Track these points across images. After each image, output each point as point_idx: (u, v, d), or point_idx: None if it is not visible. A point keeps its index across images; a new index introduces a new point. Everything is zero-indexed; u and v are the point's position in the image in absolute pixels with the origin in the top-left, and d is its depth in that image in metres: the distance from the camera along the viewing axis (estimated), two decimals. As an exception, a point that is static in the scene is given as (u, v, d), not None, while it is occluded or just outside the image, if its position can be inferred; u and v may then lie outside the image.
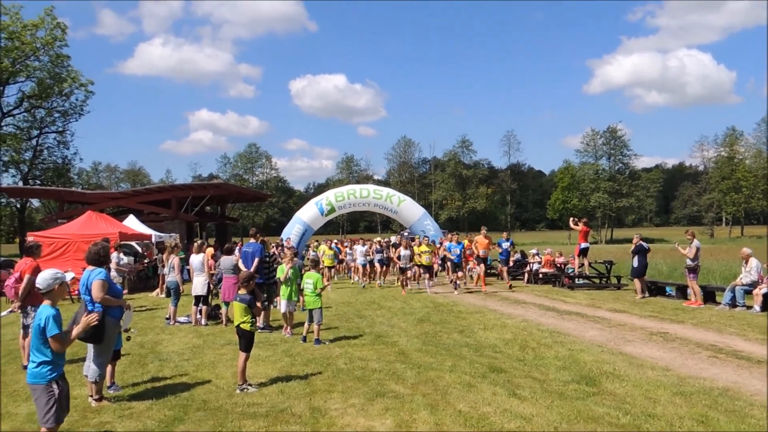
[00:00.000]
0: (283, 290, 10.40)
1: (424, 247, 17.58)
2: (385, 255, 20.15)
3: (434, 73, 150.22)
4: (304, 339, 9.51)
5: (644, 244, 15.38)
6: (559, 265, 19.72)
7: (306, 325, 9.63)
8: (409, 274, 18.29)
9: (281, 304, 10.60)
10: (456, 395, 6.22)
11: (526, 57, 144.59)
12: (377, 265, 20.24)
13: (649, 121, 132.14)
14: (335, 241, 27.30)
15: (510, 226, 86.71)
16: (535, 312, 12.82)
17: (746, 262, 12.99)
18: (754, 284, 12.56)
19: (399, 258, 17.97)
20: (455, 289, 17.33)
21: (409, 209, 28.72)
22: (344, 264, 23.47)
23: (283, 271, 10.32)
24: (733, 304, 12.59)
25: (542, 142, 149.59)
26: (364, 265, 20.66)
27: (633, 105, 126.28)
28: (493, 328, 10.64)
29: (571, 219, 19.28)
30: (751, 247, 15.20)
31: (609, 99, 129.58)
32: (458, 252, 17.93)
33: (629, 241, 17.34)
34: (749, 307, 12.26)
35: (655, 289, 15.61)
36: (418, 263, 17.87)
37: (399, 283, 18.28)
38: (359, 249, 20.92)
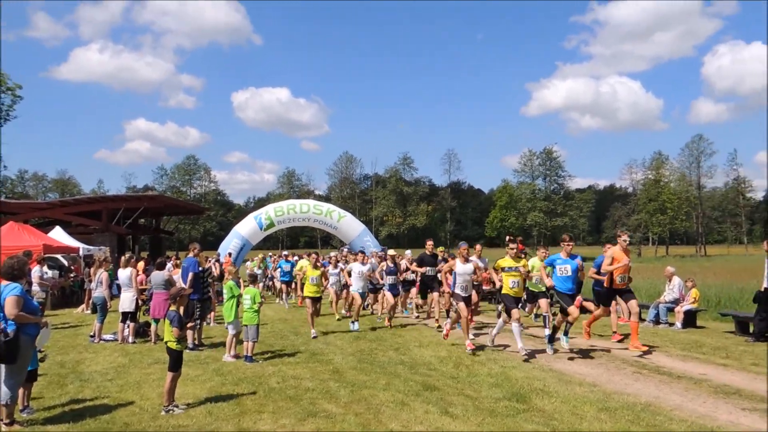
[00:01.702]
0: (227, 311, 9.64)
1: (509, 261, 9.97)
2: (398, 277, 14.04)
3: (378, 90, 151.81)
4: (240, 357, 9.22)
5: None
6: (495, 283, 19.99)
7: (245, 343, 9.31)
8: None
9: (228, 327, 9.67)
10: (389, 414, 6.17)
11: (468, 77, 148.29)
12: (387, 294, 13.71)
13: (582, 144, 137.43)
14: (329, 256, 21.27)
15: (450, 244, 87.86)
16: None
17: (669, 281, 13.56)
18: (676, 302, 13.12)
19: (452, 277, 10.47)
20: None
21: (349, 225, 28.66)
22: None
23: (231, 289, 9.80)
24: (657, 321, 13.11)
25: (482, 161, 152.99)
26: (362, 295, 13.81)
27: (568, 128, 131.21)
28: (428, 345, 10.67)
29: (508, 237, 19.65)
30: (674, 265, 15.90)
31: (546, 121, 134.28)
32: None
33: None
34: (671, 324, 12.79)
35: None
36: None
37: (438, 322, 13.11)
38: (358, 269, 13.83)
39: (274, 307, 17.77)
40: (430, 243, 13.80)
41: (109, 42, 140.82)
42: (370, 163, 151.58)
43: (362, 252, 15.38)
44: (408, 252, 16.26)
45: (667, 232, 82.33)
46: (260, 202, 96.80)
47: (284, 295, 18.93)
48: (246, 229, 27.14)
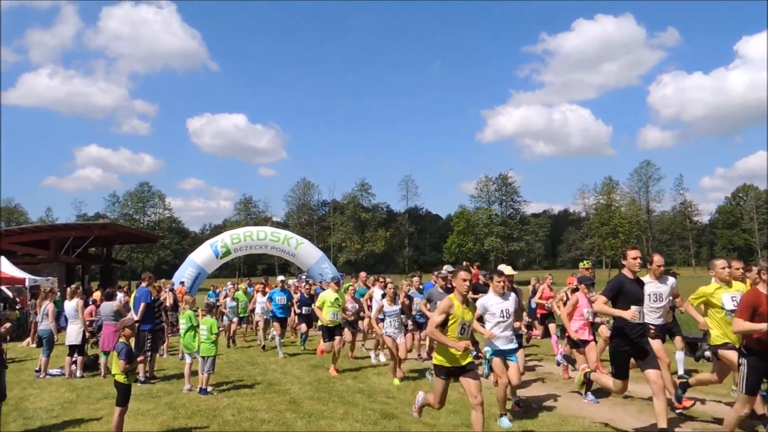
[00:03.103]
0: (189, 341, 9.48)
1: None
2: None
3: (335, 116, 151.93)
4: (203, 391, 8.91)
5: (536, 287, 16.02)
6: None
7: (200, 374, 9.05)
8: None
9: (186, 356, 9.64)
10: (346, 444, 6.07)
11: (424, 104, 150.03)
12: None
13: (537, 169, 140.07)
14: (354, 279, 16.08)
15: (408, 269, 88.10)
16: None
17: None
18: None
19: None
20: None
21: (307, 252, 28.52)
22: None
23: (189, 319, 9.61)
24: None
25: (439, 187, 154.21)
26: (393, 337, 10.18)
27: (523, 154, 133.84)
28: (386, 373, 10.57)
29: (465, 262, 19.84)
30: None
31: (501, 147, 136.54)
32: None
33: (524, 283, 17.89)
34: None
35: (546, 329, 16.24)
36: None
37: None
38: (379, 294, 11.82)
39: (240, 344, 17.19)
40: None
41: (60, 67, 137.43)
42: (328, 190, 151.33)
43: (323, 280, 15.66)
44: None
45: (619, 256, 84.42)
46: (216, 230, 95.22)
47: (276, 334, 13.75)
48: (201, 257, 26.68)
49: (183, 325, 9.69)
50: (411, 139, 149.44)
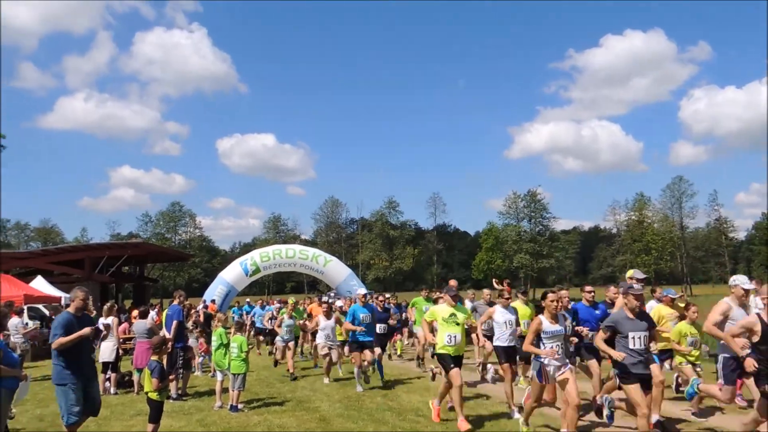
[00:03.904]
0: (220, 359, 9.49)
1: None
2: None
3: (363, 135, 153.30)
4: (234, 408, 8.95)
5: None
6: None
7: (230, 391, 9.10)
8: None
9: (217, 374, 9.68)
10: (376, 463, 6.04)
11: (451, 122, 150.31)
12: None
13: (566, 186, 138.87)
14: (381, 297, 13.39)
15: (436, 287, 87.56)
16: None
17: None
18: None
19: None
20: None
21: (335, 269, 28.62)
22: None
23: (220, 336, 9.66)
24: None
25: (467, 204, 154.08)
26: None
27: (551, 170, 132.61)
28: (416, 390, 10.52)
29: (494, 280, 19.65)
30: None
31: (529, 164, 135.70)
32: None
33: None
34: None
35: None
36: None
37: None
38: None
39: (265, 356, 17.32)
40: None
41: (95, 91, 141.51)
42: (356, 207, 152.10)
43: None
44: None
45: (653, 273, 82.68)
46: (246, 248, 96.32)
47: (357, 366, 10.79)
48: (231, 275, 26.96)
49: (214, 342, 9.77)
50: (438, 156, 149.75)
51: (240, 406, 8.99)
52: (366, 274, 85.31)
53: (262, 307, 18.21)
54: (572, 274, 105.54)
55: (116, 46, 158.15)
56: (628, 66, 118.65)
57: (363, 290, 13.30)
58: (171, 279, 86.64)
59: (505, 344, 8.60)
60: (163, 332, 10.37)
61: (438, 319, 7.79)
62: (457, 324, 7.68)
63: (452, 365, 7.50)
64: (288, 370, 12.46)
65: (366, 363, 10.72)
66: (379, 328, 11.40)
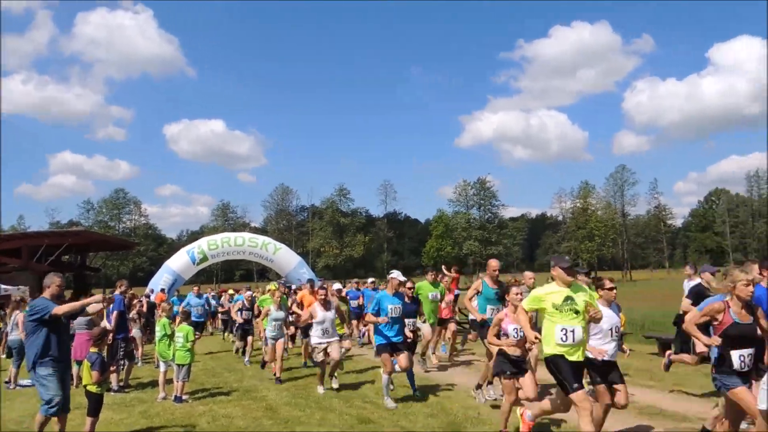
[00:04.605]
0: (165, 349, 9.24)
1: None
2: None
3: (314, 122, 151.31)
4: (178, 399, 8.77)
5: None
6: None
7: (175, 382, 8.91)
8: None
9: (160, 365, 9.40)
10: (322, 450, 6.04)
11: (403, 109, 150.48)
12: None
13: (515, 174, 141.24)
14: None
15: (386, 274, 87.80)
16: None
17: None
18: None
19: None
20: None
21: (285, 257, 28.44)
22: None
23: (164, 327, 9.38)
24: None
25: (418, 192, 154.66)
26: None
27: (501, 158, 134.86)
28: (364, 377, 10.57)
29: (444, 266, 19.89)
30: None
31: (479, 152, 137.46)
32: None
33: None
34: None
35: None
36: None
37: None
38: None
39: (214, 345, 17.01)
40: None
41: (34, 73, 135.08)
42: (307, 195, 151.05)
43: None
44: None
45: (596, 259, 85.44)
46: (194, 236, 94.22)
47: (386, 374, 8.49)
48: (178, 263, 26.45)
49: (158, 333, 9.56)
50: (389, 144, 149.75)
51: (185, 397, 8.83)
52: (316, 262, 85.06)
53: (199, 296, 16.98)
54: (519, 260, 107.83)
55: (56, 26, 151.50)
56: (576, 57, 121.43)
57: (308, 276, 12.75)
58: (114, 268, 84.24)
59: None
60: (104, 323, 10.08)
61: (546, 307, 5.47)
62: (577, 312, 5.33)
63: (575, 383, 5.20)
64: (274, 374, 10.54)
65: (400, 369, 8.48)
66: (409, 324, 8.99)
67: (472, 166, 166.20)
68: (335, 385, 9.40)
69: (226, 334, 18.24)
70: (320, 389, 9.27)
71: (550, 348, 5.40)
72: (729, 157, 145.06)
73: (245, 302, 13.86)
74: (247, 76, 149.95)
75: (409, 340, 8.82)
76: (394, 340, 8.38)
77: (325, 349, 9.20)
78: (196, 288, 17.62)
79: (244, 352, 13.35)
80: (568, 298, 5.36)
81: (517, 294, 6.50)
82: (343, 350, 9.74)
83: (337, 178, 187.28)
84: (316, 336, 9.33)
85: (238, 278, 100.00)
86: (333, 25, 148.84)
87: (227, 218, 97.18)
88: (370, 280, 14.88)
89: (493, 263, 8.82)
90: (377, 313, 8.37)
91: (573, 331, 5.28)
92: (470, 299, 8.86)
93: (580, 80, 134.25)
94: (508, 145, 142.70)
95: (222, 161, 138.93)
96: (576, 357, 5.31)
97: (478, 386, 8.27)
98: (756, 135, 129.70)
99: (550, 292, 5.49)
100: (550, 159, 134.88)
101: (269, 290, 13.12)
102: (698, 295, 8.05)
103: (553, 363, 5.36)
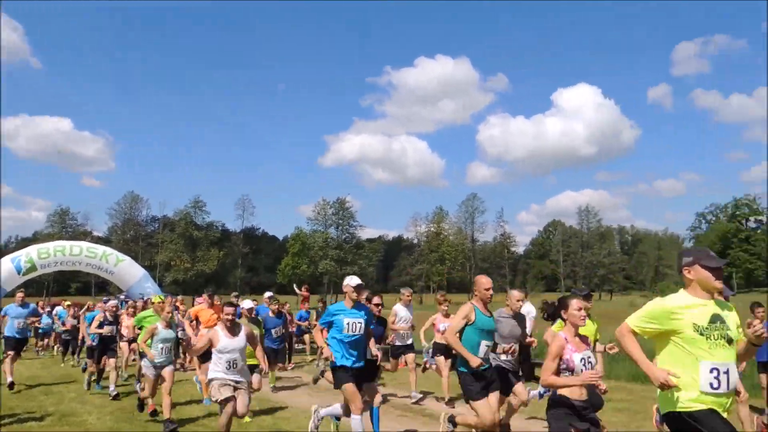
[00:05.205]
0: None
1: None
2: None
3: (172, 130, 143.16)
4: None
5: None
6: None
7: None
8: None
9: None
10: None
11: (267, 125, 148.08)
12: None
13: (374, 196, 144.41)
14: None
15: (241, 290, 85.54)
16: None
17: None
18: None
19: None
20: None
21: (127, 270, 26.61)
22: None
23: None
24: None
25: (277, 209, 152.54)
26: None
27: (362, 180, 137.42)
28: (198, 399, 10.11)
29: (294, 285, 19.80)
30: (452, 311, 17.22)
31: (341, 172, 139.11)
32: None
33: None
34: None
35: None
36: None
37: None
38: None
39: (51, 368, 15.38)
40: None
41: None
42: (158, 205, 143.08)
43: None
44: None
45: (446, 281, 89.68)
46: (24, 242, 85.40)
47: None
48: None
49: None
50: (251, 158, 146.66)
51: (-13, 423, 7.87)
52: (164, 276, 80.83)
53: (24, 305, 11.83)
54: (374, 281, 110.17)
55: None
56: (438, 88, 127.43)
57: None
58: None
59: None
60: None
61: (678, 329, 3.56)
62: (730, 341, 3.53)
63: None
64: (153, 412, 8.49)
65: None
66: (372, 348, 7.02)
67: (333, 185, 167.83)
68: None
69: (66, 356, 15.52)
70: None
71: (687, 397, 3.45)
72: (564, 192, 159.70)
73: (107, 315, 11.14)
74: (100, 74, 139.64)
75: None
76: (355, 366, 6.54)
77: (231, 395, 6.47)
78: (20, 294, 12.43)
79: (98, 379, 11.31)
80: (716, 318, 3.52)
81: (579, 309, 4.63)
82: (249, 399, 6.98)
83: (194, 190, 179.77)
84: (216, 370, 6.61)
85: (75, 291, 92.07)
86: (198, 33, 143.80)
87: (65, 225, 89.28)
88: (267, 294, 12.60)
89: (484, 281, 6.22)
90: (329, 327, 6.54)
91: (727, 372, 3.42)
92: (455, 333, 6.07)
93: (440, 110, 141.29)
94: (369, 167, 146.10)
95: (64, 163, 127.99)
96: (726, 412, 3.45)
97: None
98: (588, 174, 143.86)
99: (687, 306, 3.56)
100: (409, 183, 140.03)
101: (152, 303, 9.60)
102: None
103: (698, 421, 3.37)
